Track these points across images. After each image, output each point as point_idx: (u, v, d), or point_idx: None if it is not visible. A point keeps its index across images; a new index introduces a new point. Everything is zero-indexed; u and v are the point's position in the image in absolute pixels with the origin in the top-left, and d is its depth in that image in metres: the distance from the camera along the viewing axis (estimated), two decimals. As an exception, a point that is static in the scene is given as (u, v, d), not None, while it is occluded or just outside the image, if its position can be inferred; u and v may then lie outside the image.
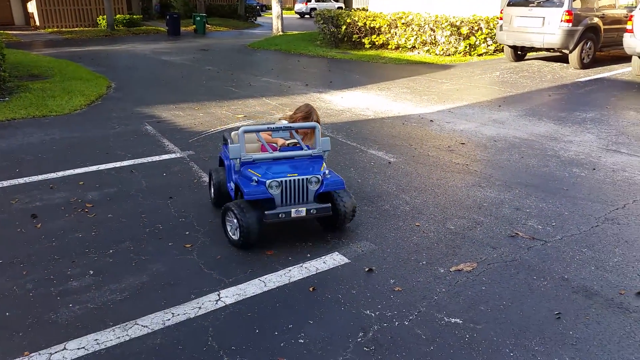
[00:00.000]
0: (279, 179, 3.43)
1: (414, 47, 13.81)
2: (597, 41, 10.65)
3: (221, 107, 7.95)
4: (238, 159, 3.54)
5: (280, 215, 3.42)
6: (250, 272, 3.22)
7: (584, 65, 10.52)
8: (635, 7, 9.64)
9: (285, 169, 3.55)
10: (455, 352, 2.51)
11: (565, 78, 9.76)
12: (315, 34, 17.16)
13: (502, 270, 3.26)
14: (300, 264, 3.33)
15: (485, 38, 12.73)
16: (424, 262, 3.37)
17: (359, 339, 2.60)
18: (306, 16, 37.78)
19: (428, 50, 13.34)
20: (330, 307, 2.87)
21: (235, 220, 3.44)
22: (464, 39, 12.75)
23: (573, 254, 3.46)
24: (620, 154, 5.49)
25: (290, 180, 3.46)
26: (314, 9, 34.08)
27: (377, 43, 14.50)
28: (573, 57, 10.49)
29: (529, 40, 10.79)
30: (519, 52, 11.67)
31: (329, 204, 3.59)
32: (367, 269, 3.28)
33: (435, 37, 13.25)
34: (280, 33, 20.14)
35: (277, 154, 3.67)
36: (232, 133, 4.08)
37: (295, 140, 3.80)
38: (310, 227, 3.88)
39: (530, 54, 12.43)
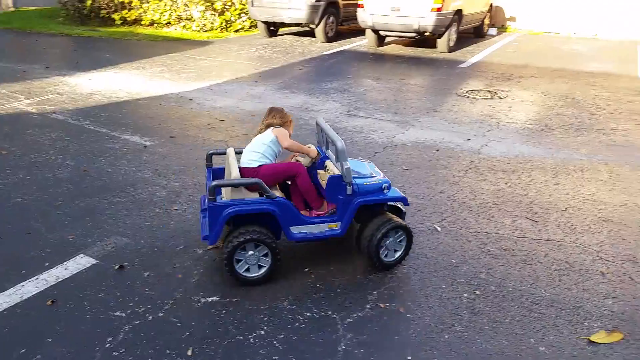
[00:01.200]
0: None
1: (169, 23, 13.30)
2: (338, 16, 11.66)
3: None
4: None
5: None
6: (-32, 297, 2.72)
7: (328, 39, 11.46)
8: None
9: (355, 168, 3.01)
10: (211, 332, 2.50)
11: (314, 51, 10.51)
12: (57, 10, 15.25)
13: (257, 240, 3.36)
14: (36, 277, 2.93)
15: (239, 14, 12.91)
16: (181, 247, 3.28)
17: (107, 345, 2.40)
18: (47, -10, 33.36)
19: (184, 26, 12.99)
20: (73, 318, 2.59)
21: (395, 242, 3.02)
22: (219, 15, 12.74)
23: (320, 213, 3.75)
24: (358, 118, 6.15)
25: None
26: (55, -18, 30.21)
27: (129, 19, 13.56)
28: (319, 31, 11.33)
29: (279, 16, 11.28)
30: (271, 28, 12.12)
31: None
32: (117, 267, 3.05)
33: (190, 12, 12.96)
34: (12, 9, 17.37)
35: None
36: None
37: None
38: (47, 227, 3.44)
39: (283, 29, 13.05)
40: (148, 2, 13.30)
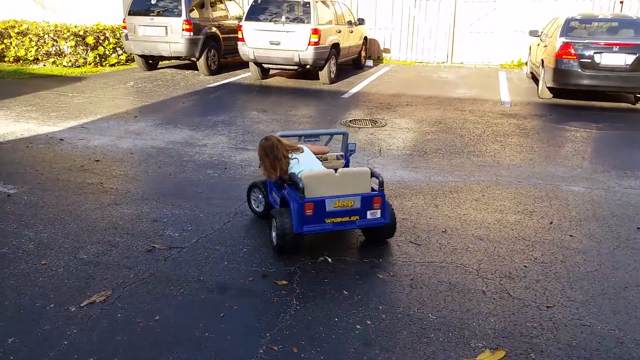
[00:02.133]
0: None
1: (37, 59, 12.38)
2: (219, 49, 11.60)
3: None
4: None
5: None
6: None
7: (211, 72, 11.33)
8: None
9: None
10: (88, 400, 2.25)
11: (197, 85, 10.33)
12: None
13: (138, 290, 3.13)
14: None
15: (114, 48, 12.35)
16: (51, 306, 2.95)
17: None
18: None
19: (54, 62, 12.15)
20: None
21: None
22: (91, 50, 12.08)
23: (208, 254, 3.59)
24: (247, 151, 6.07)
25: None
26: None
27: (-11, 56, 12.43)
28: (201, 64, 11.17)
29: (157, 49, 10.96)
30: (150, 61, 11.73)
31: None
32: (-28, 336, 2.67)
33: (60, 47, 12.16)
34: None
35: None
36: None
37: None
38: None
39: (163, 63, 12.69)
40: (10, 37, 12.29)
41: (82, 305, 2.95)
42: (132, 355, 2.55)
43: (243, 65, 12.26)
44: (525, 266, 3.48)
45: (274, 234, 3.58)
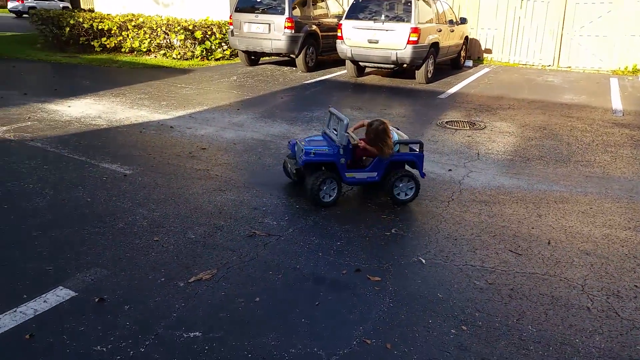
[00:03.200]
0: None
1: (149, 50, 13.31)
2: (317, 46, 11.83)
3: None
4: None
5: None
6: (-63, 334, 2.59)
7: (309, 69, 11.59)
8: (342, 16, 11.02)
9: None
10: (195, 369, 2.43)
11: (295, 81, 10.60)
12: (35, 36, 15.15)
13: (240, 272, 3.31)
14: (14, 309, 2.82)
15: (220, 43, 12.99)
16: (162, 279, 3.20)
17: (85, 383, 2.31)
18: (25, 15, 33.10)
19: (165, 54, 13.01)
20: (52, 353, 2.49)
21: None
22: (199, 44, 12.79)
23: (303, 244, 3.71)
24: (341, 147, 6.16)
25: None
26: (34, 7, 30.03)
27: (108, 46, 13.53)
28: (299, 61, 11.45)
29: (260, 46, 11.38)
30: (252, 57, 12.21)
31: None
32: (97, 299, 2.96)
33: (170, 40, 12.99)
34: (-11, 34, 17.19)
35: None
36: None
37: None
38: (24, 258, 3.33)
39: (263, 59, 13.15)
40: (128, 30, 13.31)
41: (189, 281, 3.18)
42: (234, 331, 2.71)
43: (339, 62, 12.40)
44: (635, 286, 3.25)
45: (401, 193, 4.43)
